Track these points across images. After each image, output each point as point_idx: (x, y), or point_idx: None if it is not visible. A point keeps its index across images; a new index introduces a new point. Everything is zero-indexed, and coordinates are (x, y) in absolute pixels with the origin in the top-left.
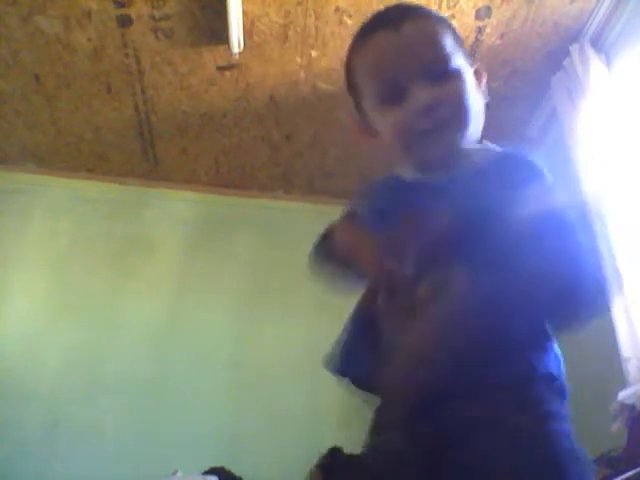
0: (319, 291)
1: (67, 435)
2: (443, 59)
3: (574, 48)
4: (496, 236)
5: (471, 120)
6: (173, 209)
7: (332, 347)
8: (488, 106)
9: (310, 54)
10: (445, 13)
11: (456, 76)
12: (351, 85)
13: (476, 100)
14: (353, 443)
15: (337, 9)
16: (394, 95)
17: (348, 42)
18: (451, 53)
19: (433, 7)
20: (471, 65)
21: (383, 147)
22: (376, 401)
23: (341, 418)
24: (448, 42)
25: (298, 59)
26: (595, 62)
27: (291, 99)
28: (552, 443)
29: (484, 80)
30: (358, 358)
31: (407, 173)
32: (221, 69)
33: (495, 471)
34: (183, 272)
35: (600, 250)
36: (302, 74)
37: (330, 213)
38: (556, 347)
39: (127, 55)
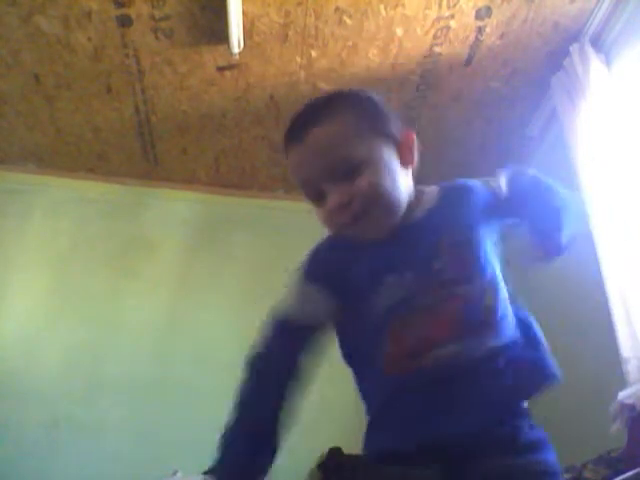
0: None
1: (67, 435)
2: (345, 158)
3: (574, 48)
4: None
5: (389, 202)
6: (173, 209)
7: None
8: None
9: (310, 54)
10: (445, 13)
11: (363, 168)
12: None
13: (394, 178)
14: (353, 443)
15: (337, 9)
16: (316, 197)
17: (348, 42)
18: (356, 146)
19: (433, 7)
20: (394, 135)
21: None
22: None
23: (341, 418)
24: (353, 135)
25: (298, 59)
26: (595, 62)
27: (291, 99)
28: None
29: (412, 143)
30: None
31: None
32: (221, 69)
33: None
34: (183, 272)
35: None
36: (302, 74)
37: None
38: None
39: (127, 55)
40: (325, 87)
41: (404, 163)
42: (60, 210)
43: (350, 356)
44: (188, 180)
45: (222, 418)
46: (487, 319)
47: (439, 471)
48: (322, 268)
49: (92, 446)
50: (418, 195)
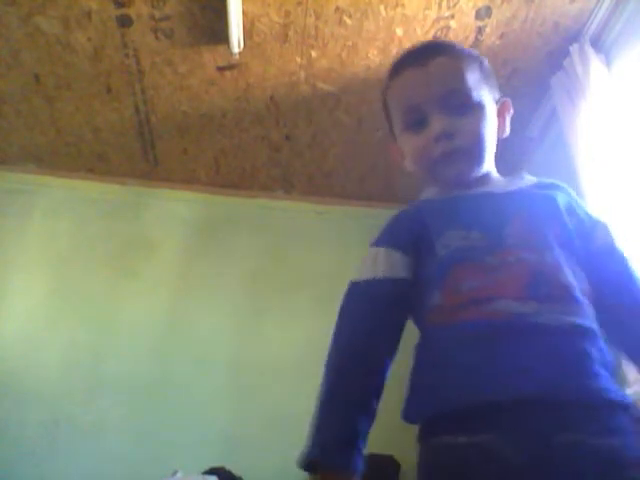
0: (319, 291)
1: (67, 435)
2: (463, 93)
3: (574, 48)
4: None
5: (483, 152)
6: (173, 209)
7: None
8: (506, 140)
9: (310, 54)
10: (445, 13)
11: (474, 110)
12: (386, 113)
13: (491, 134)
14: None
15: (337, 9)
16: (416, 123)
17: (348, 42)
18: (473, 88)
19: (433, 7)
20: (497, 100)
21: (410, 168)
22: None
23: None
24: (472, 77)
25: (298, 59)
26: (595, 62)
27: (291, 99)
28: None
29: (509, 114)
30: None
31: (431, 193)
32: (221, 69)
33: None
34: (183, 272)
35: None
36: (302, 74)
37: (330, 213)
38: None
39: (127, 55)
40: (325, 87)
41: (499, 127)
42: (60, 210)
43: (414, 311)
44: (188, 180)
45: (222, 418)
46: (563, 294)
47: (511, 442)
48: (398, 230)
49: (92, 446)
50: (514, 175)
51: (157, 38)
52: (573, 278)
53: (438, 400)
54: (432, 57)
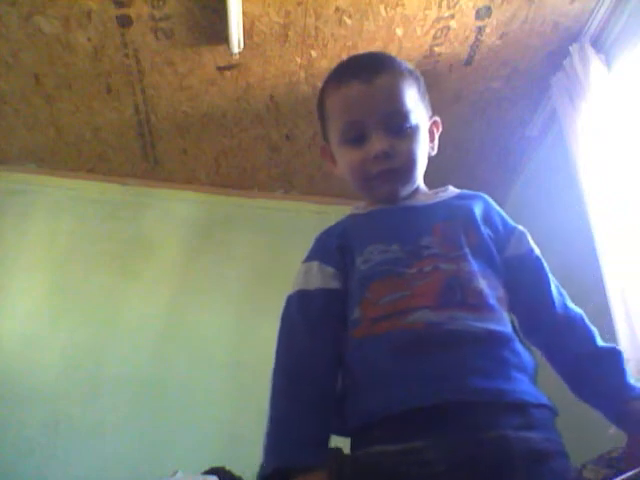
0: None
1: (67, 435)
2: (404, 115)
3: (574, 48)
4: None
5: (416, 172)
6: (173, 209)
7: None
8: (432, 157)
9: (310, 54)
10: (445, 13)
11: (412, 133)
12: (321, 114)
13: (424, 155)
14: None
15: (337, 9)
16: (356, 138)
17: (348, 42)
18: (412, 109)
19: (433, 7)
20: (430, 117)
21: (342, 176)
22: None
23: None
24: (412, 98)
25: (298, 59)
26: (595, 62)
27: (291, 99)
28: None
29: (438, 132)
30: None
31: (359, 208)
32: (221, 69)
33: None
34: (183, 272)
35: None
36: (302, 74)
37: (330, 213)
38: None
39: (127, 55)
40: None
41: (430, 146)
42: (60, 210)
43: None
44: (188, 180)
45: (222, 418)
46: (477, 301)
47: (437, 447)
48: (326, 246)
49: (92, 446)
50: (436, 188)
51: (157, 38)
52: (487, 286)
53: (364, 411)
54: (378, 74)
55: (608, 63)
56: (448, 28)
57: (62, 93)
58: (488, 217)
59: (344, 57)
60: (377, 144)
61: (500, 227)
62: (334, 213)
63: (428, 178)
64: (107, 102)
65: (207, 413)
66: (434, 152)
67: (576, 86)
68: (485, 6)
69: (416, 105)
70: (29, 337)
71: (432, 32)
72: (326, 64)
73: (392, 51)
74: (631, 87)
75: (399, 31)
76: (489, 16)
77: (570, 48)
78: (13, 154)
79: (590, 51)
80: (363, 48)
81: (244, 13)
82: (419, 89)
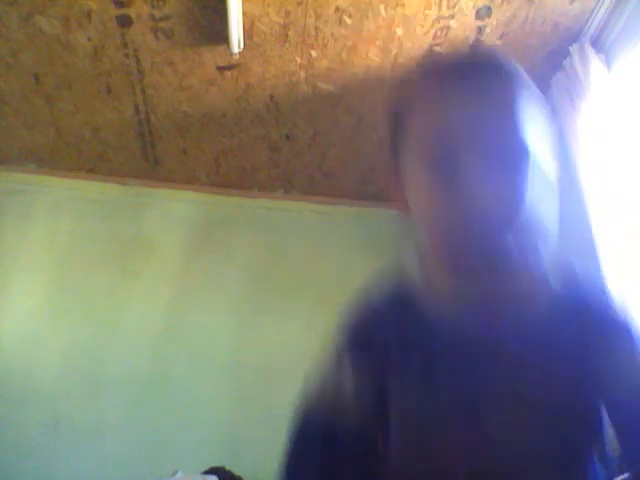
0: (319, 291)
1: (67, 435)
2: (517, 139)
3: (574, 48)
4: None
5: (531, 226)
6: (173, 209)
7: None
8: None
9: (310, 54)
10: (445, 13)
11: (525, 164)
12: (393, 132)
13: (546, 196)
14: None
15: (337, 9)
16: (444, 166)
17: (348, 42)
18: (529, 131)
19: (433, 7)
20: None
21: (410, 220)
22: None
23: None
24: (529, 115)
25: (298, 59)
26: (595, 62)
27: (291, 99)
28: None
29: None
30: None
31: (427, 272)
32: (221, 69)
33: None
34: (183, 272)
35: None
36: (302, 74)
37: (330, 213)
38: None
39: (127, 55)
40: (325, 87)
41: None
42: (60, 210)
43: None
44: (188, 180)
45: (222, 418)
46: None
47: None
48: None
49: (92, 446)
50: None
51: (157, 38)
52: None
53: None
54: (486, 81)
55: (608, 63)
56: (448, 28)
57: (62, 93)
58: (603, 348)
59: (344, 57)
60: (475, 182)
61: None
62: (334, 213)
63: None
64: (107, 102)
65: (207, 413)
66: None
67: (576, 86)
68: (485, 6)
69: (534, 123)
70: (29, 337)
71: (432, 32)
72: (326, 64)
73: (392, 51)
74: (631, 87)
75: (399, 31)
76: (489, 16)
77: (570, 48)
78: (13, 154)
79: (590, 51)
80: (363, 48)
81: (244, 13)
82: (536, 99)
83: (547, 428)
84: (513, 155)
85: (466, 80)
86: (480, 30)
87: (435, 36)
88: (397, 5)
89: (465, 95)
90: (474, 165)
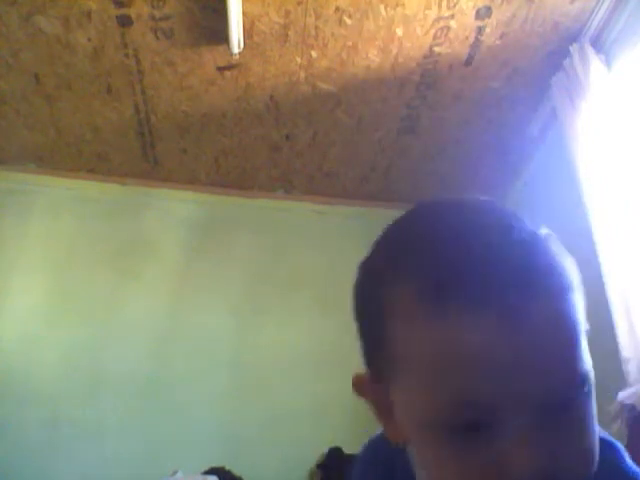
0: (319, 291)
1: (67, 435)
2: (575, 380)
3: (574, 48)
4: None
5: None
6: (173, 209)
7: None
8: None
9: (310, 54)
10: (445, 13)
11: (586, 410)
12: (375, 346)
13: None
14: (353, 443)
15: (337, 9)
16: (470, 425)
17: (348, 42)
18: (586, 362)
19: (433, 7)
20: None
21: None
22: None
23: (341, 418)
24: (584, 340)
25: (298, 59)
26: (595, 62)
27: (291, 99)
28: None
29: None
30: None
31: None
32: (221, 69)
33: None
34: (183, 272)
35: None
36: (302, 74)
37: (330, 213)
38: None
39: (127, 55)
40: (325, 87)
41: None
42: (60, 210)
43: None
44: (188, 180)
45: (222, 417)
46: None
47: None
48: None
49: (92, 446)
50: None
51: (157, 38)
52: None
53: None
54: (537, 306)
55: (608, 63)
56: (448, 28)
57: (62, 93)
58: None
59: (344, 57)
60: (525, 453)
61: None
62: (334, 213)
63: (427, 182)
64: (107, 102)
65: (207, 413)
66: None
67: (576, 86)
68: (485, 6)
69: (584, 345)
70: (29, 337)
71: (432, 32)
72: (326, 64)
73: (392, 51)
74: (631, 87)
75: (399, 31)
76: (489, 16)
77: (570, 48)
78: (13, 154)
79: (590, 51)
80: (363, 48)
81: (244, 13)
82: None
83: None
84: (577, 400)
85: (518, 297)
86: (480, 30)
87: (435, 36)
88: (397, 5)
89: (499, 313)
90: (514, 424)
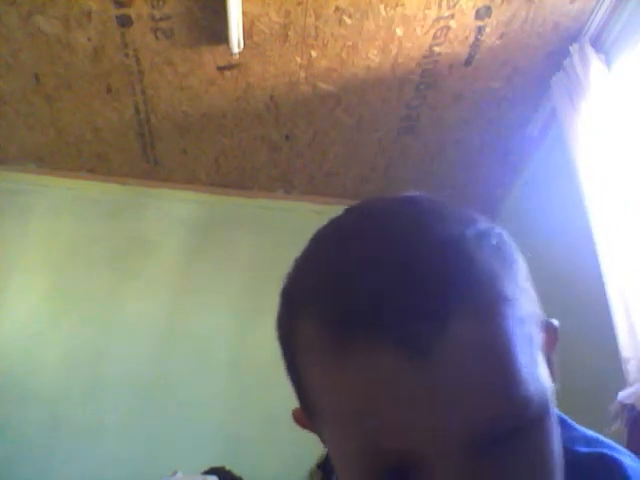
0: None
1: (67, 435)
2: (512, 409)
3: (574, 48)
4: None
5: None
6: (173, 209)
7: None
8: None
9: (310, 54)
10: (445, 13)
11: (536, 435)
12: (296, 376)
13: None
14: None
15: (337, 9)
16: (396, 474)
17: (348, 42)
18: (531, 382)
19: (433, 7)
20: (541, 328)
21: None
22: None
23: None
24: (522, 350)
25: (298, 59)
26: (595, 62)
27: (291, 99)
28: None
29: (554, 349)
30: None
31: None
32: (221, 69)
33: None
34: (183, 272)
35: None
36: (302, 74)
37: (330, 213)
38: None
39: (127, 55)
40: (325, 87)
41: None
42: (60, 210)
43: None
44: (188, 180)
45: (222, 418)
46: None
47: None
48: None
49: (92, 446)
50: None
51: (157, 38)
52: None
53: None
54: (444, 332)
55: (608, 63)
56: (448, 28)
57: (62, 93)
58: None
59: (344, 57)
60: None
61: None
62: (334, 213)
63: (426, 183)
64: (107, 102)
65: (207, 413)
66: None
67: (576, 86)
68: (485, 6)
69: (531, 359)
70: (29, 337)
71: (432, 32)
72: (326, 64)
73: (392, 51)
74: (631, 87)
75: (399, 31)
76: (489, 16)
77: (570, 48)
78: (13, 154)
79: (590, 51)
80: (363, 48)
81: (244, 13)
82: (531, 301)
83: None
84: (521, 431)
85: (409, 330)
86: (480, 30)
87: (435, 36)
88: (397, 5)
89: (410, 364)
90: (443, 465)
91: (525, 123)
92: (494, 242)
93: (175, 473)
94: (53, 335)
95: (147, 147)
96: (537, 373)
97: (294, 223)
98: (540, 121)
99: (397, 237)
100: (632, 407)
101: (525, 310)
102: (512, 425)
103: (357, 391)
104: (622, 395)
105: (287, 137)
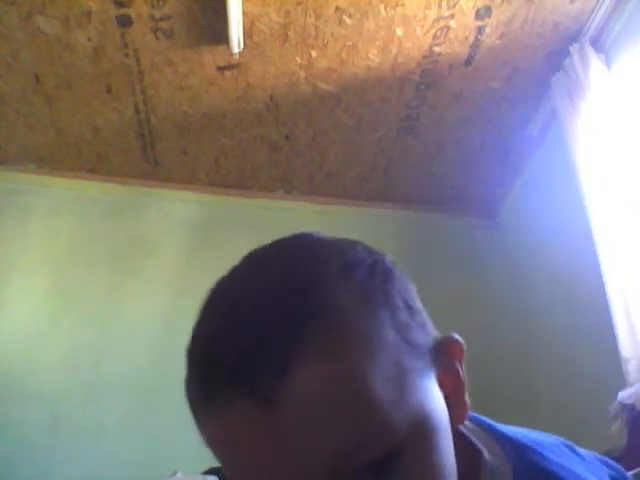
0: None
1: (67, 435)
2: (379, 433)
3: (574, 48)
4: None
5: None
6: (173, 209)
7: None
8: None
9: (310, 54)
10: (445, 13)
11: (420, 445)
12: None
13: (451, 463)
14: None
15: (337, 9)
16: None
17: (348, 42)
18: (390, 408)
19: (433, 7)
20: (429, 347)
21: None
22: None
23: None
24: (376, 379)
25: (298, 59)
26: (595, 62)
27: (291, 99)
28: None
29: (461, 361)
30: None
31: None
32: (221, 69)
33: None
34: (183, 272)
35: None
36: (302, 74)
37: (330, 213)
38: None
39: (127, 55)
40: (325, 87)
41: (455, 413)
42: (60, 210)
43: None
44: (188, 180)
45: None
46: None
47: None
48: None
49: (92, 446)
50: (472, 466)
51: (157, 38)
52: None
53: None
54: (276, 382)
55: (608, 63)
56: (448, 28)
57: (62, 93)
58: None
59: (344, 57)
60: None
61: None
62: (334, 213)
63: (425, 183)
64: (107, 102)
65: None
66: (464, 419)
67: (576, 86)
68: (485, 6)
69: (391, 385)
70: (29, 337)
71: (432, 32)
72: (326, 64)
73: (392, 51)
74: (631, 87)
75: (399, 31)
76: (489, 16)
77: (570, 48)
78: (13, 154)
79: (590, 51)
80: (363, 48)
81: (244, 13)
82: (388, 317)
83: None
84: (384, 455)
85: (251, 377)
86: (480, 30)
87: (435, 36)
88: (397, 5)
89: (253, 413)
90: None
91: (525, 123)
92: (360, 276)
93: (175, 473)
94: (53, 335)
95: (147, 147)
96: (405, 398)
97: (294, 223)
98: (540, 121)
99: (247, 297)
100: (632, 407)
101: (389, 339)
102: (381, 451)
103: (225, 445)
104: (622, 395)
105: (287, 137)
